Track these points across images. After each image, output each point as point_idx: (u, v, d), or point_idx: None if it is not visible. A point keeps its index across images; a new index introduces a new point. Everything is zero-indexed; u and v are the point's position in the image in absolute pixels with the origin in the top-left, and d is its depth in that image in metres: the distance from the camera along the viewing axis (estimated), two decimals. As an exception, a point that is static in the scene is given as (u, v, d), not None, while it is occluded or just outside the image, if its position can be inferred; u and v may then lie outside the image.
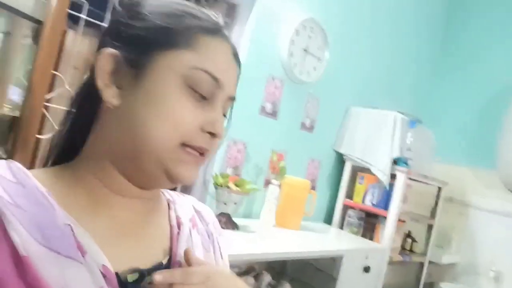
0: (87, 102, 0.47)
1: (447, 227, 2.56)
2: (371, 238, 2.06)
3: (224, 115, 0.49)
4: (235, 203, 1.46)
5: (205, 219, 0.58)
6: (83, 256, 0.38)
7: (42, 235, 0.36)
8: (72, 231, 0.38)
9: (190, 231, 0.52)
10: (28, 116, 0.96)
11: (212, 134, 0.45)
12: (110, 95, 0.44)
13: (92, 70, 0.45)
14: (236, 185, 1.49)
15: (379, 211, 2.02)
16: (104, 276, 0.39)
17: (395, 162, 1.98)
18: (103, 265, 0.39)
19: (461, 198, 2.59)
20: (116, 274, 0.40)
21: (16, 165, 0.41)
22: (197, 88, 0.44)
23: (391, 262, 1.99)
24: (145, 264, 0.44)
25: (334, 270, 1.60)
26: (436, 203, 2.33)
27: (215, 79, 0.45)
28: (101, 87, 0.44)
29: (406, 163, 1.99)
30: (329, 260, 1.61)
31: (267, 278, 1.65)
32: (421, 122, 2.14)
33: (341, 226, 2.16)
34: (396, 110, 2.04)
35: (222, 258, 0.57)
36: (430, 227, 2.32)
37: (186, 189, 1.55)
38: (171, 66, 0.43)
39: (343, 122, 2.21)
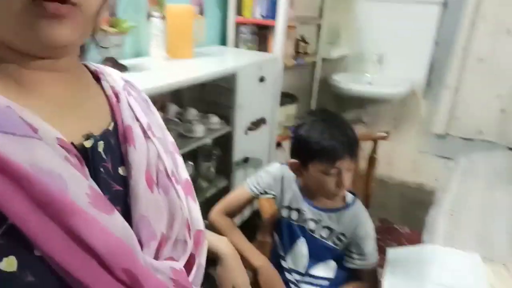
0: None
1: (335, 22, 2.72)
2: (266, 50, 2.16)
3: None
4: (116, 45, 1.41)
5: (135, 87, 0.58)
6: (36, 133, 0.37)
7: None
8: (15, 112, 0.36)
9: (127, 98, 0.52)
10: None
11: None
12: None
13: None
14: (112, 26, 1.40)
15: (268, 21, 2.06)
16: (62, 147, 0.38)
17: (276, -33, 1.93)
18: (57, 137, 0.38)
19: (347, -8, 2.68)
20: (72, 144, 0.40)
21: None
22: None
23: (286, 68, 2.17)
24: (94, 132, 0.45)
25: (231, 94, 1.73)
26: (323, 1, 2.40)
27: None
28: None
29: (286, -34, 1.94)
30: (226, 87, 1.71)
31: (173, 108, 1.75)
32: None
33: (237, 45, 2.21)
34: None
35: (158, 121, 0.58)
36: (319, 27, 2.45)
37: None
38: None
39: None
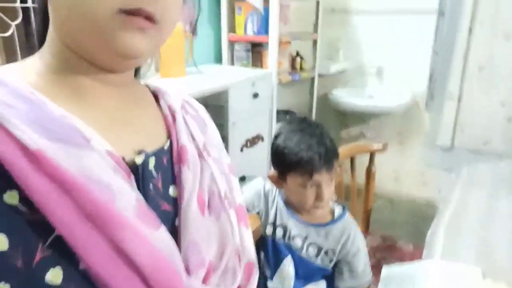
0: None
1: (332, 38, 2.71)
2: (261, 67, 2.15)
3: None
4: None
5: (194, 106, 0.57)
6: (88, 144, 0.37)
7: (45, 129, 0.34)
8: (70, 121, 0.37)
9: (184, 118, 0.51)
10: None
11: None
12: None
13: None
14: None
15: (261, 38, 2.06)
16: (112, 160, 0.38)
17: (266, -17, 1.93)
18: (107, 150, 0.38)
19: (342, 6, 2.68)
20: (122, 158, 0.40)
21: None
22: None
23: (282, 84, 2.14)
24: (147, 148, 0.43)
25: (223, 111, 1.71)
26: (317, 17, 2.40)
27: None
28: None
29: (276, -17, 1.95)
30: (219, 105, 1.69)
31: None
32: None
33: (232, 62, 2.21)
34: None
35: (216, 140, 0.57)
36: (315, 42, 2.44)
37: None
38: None
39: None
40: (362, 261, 0.98)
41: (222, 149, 0.57)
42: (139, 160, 0.42)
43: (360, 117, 2.77)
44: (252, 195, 1.06)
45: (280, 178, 0.97)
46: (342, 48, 2.76)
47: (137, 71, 0.53)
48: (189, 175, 0.46)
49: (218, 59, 2.24)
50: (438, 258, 1.00)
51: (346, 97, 2.57)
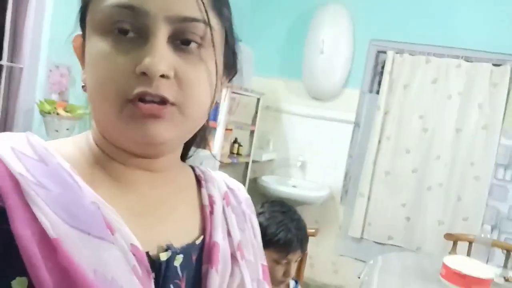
0: None
1: (266, 131, 3.04)
2: (205, 148, 2.31)
3: (185, 42, 0.38)
4: (67, 129, 1.45)
5: (238, 197, 0.54)
6: (112, 235, 0.35)
7: (70, 215, 0.33)
8: (99, 210, 0.36)
9: (224, 210, 0.49)
10: None
11: (144, 74, 0.36)
12: (83, 74, 0.42)
13: None
14: (66, 111, 1.45)
15: (211, 123, 2.26)
16: (134, 255, 0.36)
17: (221, 78, 2.20)
18: (132, 244, 0.36)
19: (276, 105, 3.06)
20: (147, 253, 0.38)
21: (36, 138, 0.38)
22: (109, 30, 0.37)
23: (222, 165, 2.32)
24: (176, 244, 0.41)
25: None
26: (256, 112, 2.72)
27: (124, 7, 0.36)
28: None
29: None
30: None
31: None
32: (241, 41, 2.37)
33: (177, 141, 2.35)
34: (219, 29, 2.20)
35: (255, 237, 0.53)
36: (252, 132, 2.72)
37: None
38: (89, 26, 0.39)
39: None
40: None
41: (260, 248, 0.53)
42: (164, 257, 0.40)
43: (284, 204, 3.00)
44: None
45: None
46: (272, 140, 3.08)
47: (186, 152, 0.53)
48: (216, 280, 0.42)
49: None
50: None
51: (273, 183, 2.80)
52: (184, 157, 0.53)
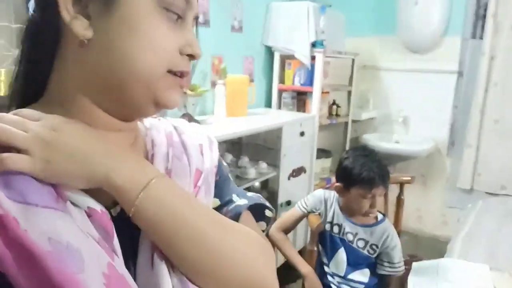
0: (41, 39, 0.43)
1: (364, 90, 3.13)
2: (304, 111, 2.56)
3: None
4: (193, 104, 1.83)
5: (178, 130, 0.56)
6: (64, 203, 0.37)
7: (19, 192, 0.35)
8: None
9: (167, 148, 0.51)
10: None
11: (191, 56, 0.45)
12: (81, 27, 0.40)
13: (42, 3, 0.42)
14: (190, 90, 1.84)
15: (306, 88, 2.49)
16: (90, 216, 0.38)
17: (313, 45, 2.38)
18: (88, 207, 0.38)
19: (372, 63, 3.11)
20: (110, 212, 0.41)
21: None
22: (172, 8, 0.42)
23: (321, 126, 2.53)
24: None
25: (277, 144, 2.09)
26: (352, 72, 2.83)
27: None
28: (68, 20, 0.40)
29: (322, 44, 2.39)
30: (274, 139, 2.09)
31: (228, 156, 2.12)
32: (330, 6, 2.50)
33: (279, 107, 2.63)
34: (308, 0, 2.37)
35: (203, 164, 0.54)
36: (349, 93, 2.86)
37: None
38: None
39: (266, 17, 2.52)
40: (398, 255, 1.31)
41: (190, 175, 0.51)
42: (115, 212, 0.43)
43: (387, 159, 3.07)
44: (315, 200, 1.41)
45: (344, 189, 1.32)
46: (372, 98, 3.16)
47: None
48: None
49: (268, 104, 2.67)
50: (455, 257, 1.31)
51: (375, 141, 2.91)
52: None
